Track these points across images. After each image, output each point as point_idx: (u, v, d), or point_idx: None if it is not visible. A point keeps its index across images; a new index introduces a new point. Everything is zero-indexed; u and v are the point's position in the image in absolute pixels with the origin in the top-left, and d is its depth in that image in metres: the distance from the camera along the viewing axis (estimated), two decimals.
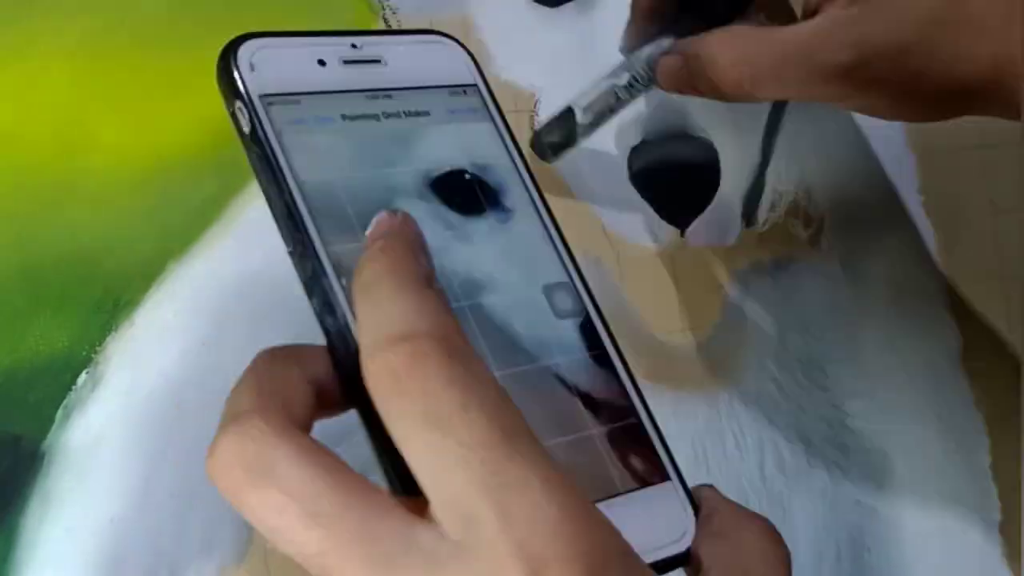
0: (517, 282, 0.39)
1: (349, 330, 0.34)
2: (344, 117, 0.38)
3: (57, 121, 0.48)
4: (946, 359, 0.71)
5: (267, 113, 0.36)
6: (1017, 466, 0.70)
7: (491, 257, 0.39)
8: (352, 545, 0.30)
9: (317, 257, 0.34)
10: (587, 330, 0.39)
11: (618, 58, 0.58)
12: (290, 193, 0.35)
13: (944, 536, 0.68)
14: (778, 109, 0.66)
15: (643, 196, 0.60)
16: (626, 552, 0.31)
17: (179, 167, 0.50)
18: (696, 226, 0.62)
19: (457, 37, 0.41)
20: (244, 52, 0.37)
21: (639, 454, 0.37)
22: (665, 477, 0.37)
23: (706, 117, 0.62)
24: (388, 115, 0.39)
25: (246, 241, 0.52)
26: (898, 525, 0.67)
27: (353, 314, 0.33)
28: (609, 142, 0.60)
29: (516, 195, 0.40)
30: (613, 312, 0.59)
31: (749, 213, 0.66)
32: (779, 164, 0.67)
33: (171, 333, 0.50)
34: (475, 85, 0.41)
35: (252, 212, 0.52)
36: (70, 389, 0.48)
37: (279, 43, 0.38)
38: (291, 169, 0.35)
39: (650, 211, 0.61)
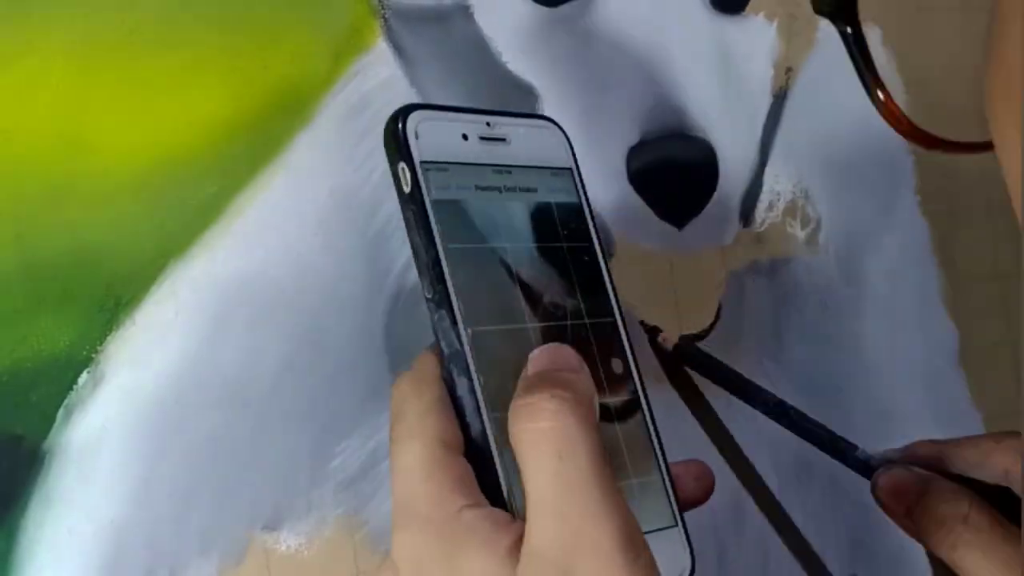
0: None
1: (472, 378, 0.41)
2: (477, 187, 0.44)
3: (57, 121, 0.48)
4: (944, 358, 0.71)
5: (425, 177, 0.42)
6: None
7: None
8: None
9: (451, 307, 0.41)
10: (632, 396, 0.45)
11: (611, 59, 0.59)
12: (436, 248, 0.41)
13: None
14: (776, 109, 0.66)
15: (641, 196, 0.60)
16: None
17: (179, 167, 0.50)
18: (694, 226, 0.62)
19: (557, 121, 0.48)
20: (411, 121, 0.42)
21: (658, 503, 0.44)
22: (674, 523, 0.44)
23: (704, 117, 0.62)
24: (507, 189, 0.45)
25: (246, 241, 0.52)
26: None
27: (472, 373, 0.41)
28: (608, 143, 0.60)
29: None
30: None
31: (747, 213, 0.66)
32: (777, 164, 0.67)
33: (172, 333, 0.50)
34: (570, 169, 0.47)
35: (252, 212, 0.52)
36: (71, 389, 0.48)
37: (435, 116, 0.43)
38: (439, 227, 0.42)
39: (648, 211, 0.61)
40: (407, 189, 0.42)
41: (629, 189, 0.61)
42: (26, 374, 0.47)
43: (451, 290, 0.41)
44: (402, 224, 0.52)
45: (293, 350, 0.52)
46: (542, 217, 0.45)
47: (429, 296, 0.42)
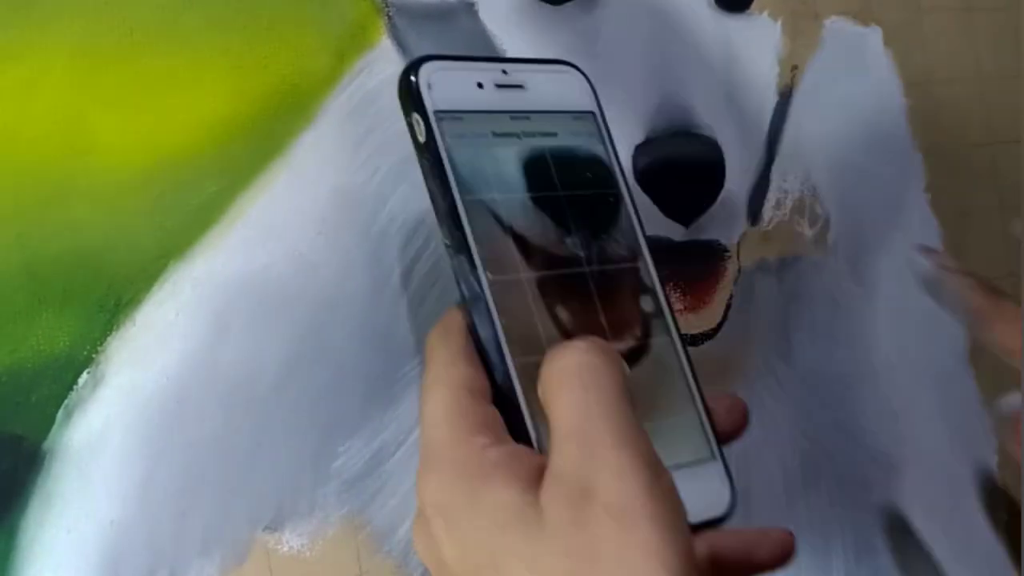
0: None
1: (494, 322, 0.41)
2: (494, 134, 0.44)
3: (57, 121, 0.48)
4: (953, 358, 0.71)
5: (439, 127, 0.43)
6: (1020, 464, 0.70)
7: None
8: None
9: (470, 252, 0.41)
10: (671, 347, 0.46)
11: (617, 58, 0.58)
12: (451, 195, 0.42)
13: (951, 535, 0.68)
14: (782, 107, 0.66)
15: (648, 194, 0.60)
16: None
17: (180, 166, 0.50)
18: (701, 225, 0.62)
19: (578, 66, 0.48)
20: (424, 72, 0.43)
21: (695, 438, 0.45)
22: (712, 457, 0.44)
23: (711, 115, 0.61)
24: (526, 134, 0.45)
25: (248, 241, 0.52)
26: (906, 524, 0.67)
27: (493, 317, 0.41)
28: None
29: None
30: None
31: (754, 211, 0.65)
32: (784, 162, 0.66)
33: (172, 333, 0.50)
34: (592, 112, 0.48)
35: (254, 212, 0.52)
36: (71, 389, 0.48)
37: (449, 66, 0.44)
38: (454, 174, 0.42)
39: (655, 209, 0.61)
40: (421, 139, 0.43)
41: (635, 187, 0.60)
42: (26, 374, 0.47)
43: (469, 236, 0.42)
44: (405, 224, 0.52)
45: (295, 350, 0.52)
46: (563, 161, 0.46)
47: (448, 243, 0.43)
